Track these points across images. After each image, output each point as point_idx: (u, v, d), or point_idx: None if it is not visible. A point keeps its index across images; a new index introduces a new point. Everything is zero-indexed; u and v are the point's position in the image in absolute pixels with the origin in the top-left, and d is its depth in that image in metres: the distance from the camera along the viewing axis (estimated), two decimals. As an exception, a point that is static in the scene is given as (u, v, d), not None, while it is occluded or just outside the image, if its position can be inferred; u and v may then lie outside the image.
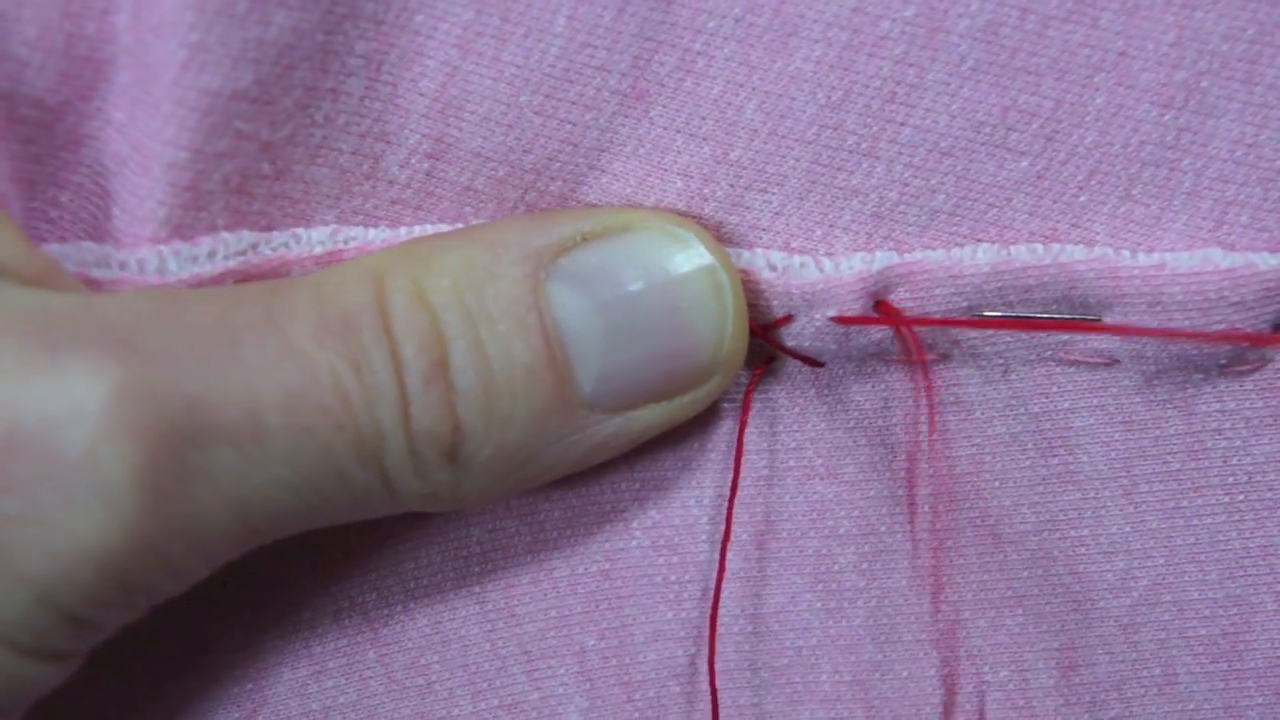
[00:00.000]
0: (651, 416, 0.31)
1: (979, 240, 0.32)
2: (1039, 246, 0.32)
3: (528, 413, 0.29)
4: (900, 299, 0.32)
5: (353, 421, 0.27)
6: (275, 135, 0.30)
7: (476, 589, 0.34)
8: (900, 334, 0.33)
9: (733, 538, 0.34)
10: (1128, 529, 0.34)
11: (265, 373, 0.27)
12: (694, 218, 0.32)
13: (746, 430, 0.34)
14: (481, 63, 0.31)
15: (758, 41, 0.31)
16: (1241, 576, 0.34)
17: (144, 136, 0.29)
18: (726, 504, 0.34)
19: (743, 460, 0.33)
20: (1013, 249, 0.32)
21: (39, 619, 0.25)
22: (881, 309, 0.32)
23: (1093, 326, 0.32)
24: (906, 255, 0.32)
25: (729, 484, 0.34)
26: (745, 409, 0.33)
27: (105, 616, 0.27)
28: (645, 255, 0.30)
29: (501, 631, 0.34)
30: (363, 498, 0.29)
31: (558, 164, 0.32)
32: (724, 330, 0.31)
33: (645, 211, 0.31)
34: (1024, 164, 0.32)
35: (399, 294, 0.28)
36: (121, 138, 0.30)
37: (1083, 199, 0.32)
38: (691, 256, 0.31)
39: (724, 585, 0.34)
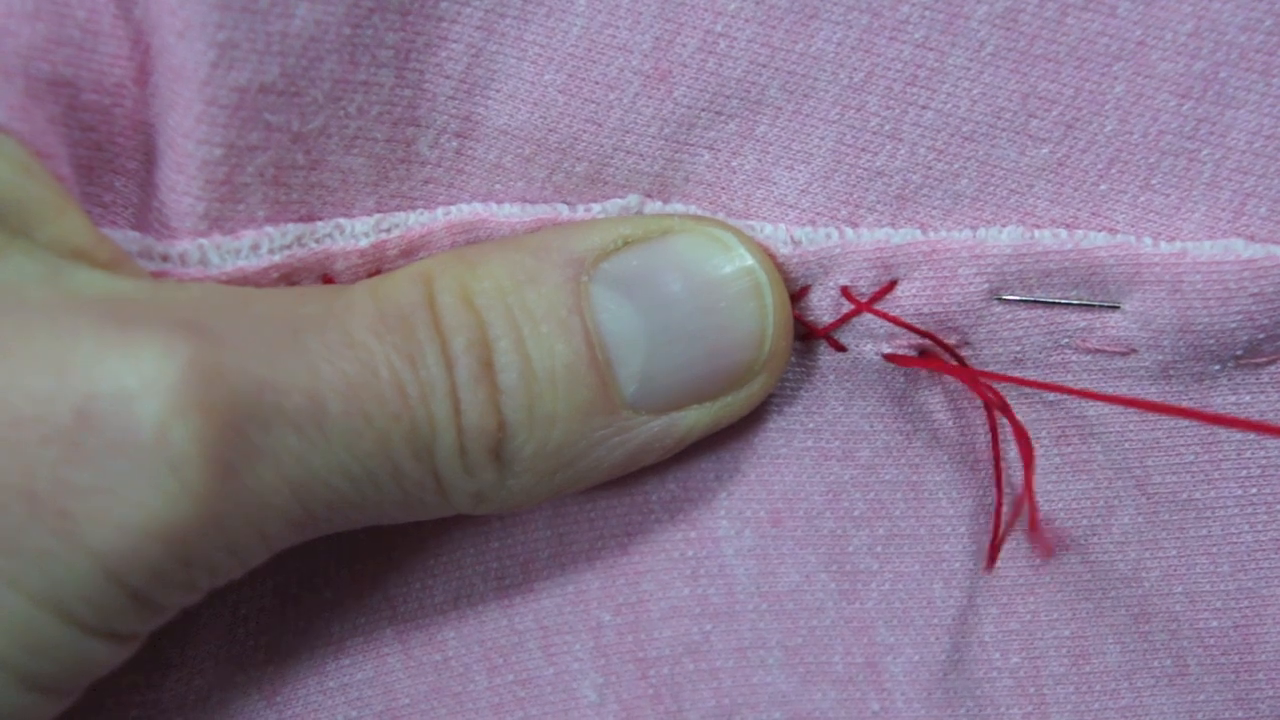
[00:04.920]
0: (695, 418, 0.32)
1: (1002, 225, 0.32)
2: (1062, 231, 0.32)
3: (570, 411, 0.30)
4: (924, 277, 0.33)
5: (409, 413, 0.28)
6: (306, 126, 0.31)
7: (495, 565, 0.34)
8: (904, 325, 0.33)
9: (749, 514, 0.34)
10: (1140, 520, 0.34)
11: (327, 360, 0.27)
12: (722, 189, 0.33)
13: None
14: (505, 43, 0.31)
15: (779, 24, 0.31)
16: (1254, 569, 0.34)
17: (176, 135, 0.30)
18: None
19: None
20: (1037, 233, 0.32)
21: (104, 595, 0.26)
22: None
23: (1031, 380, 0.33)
24: (931, 233, 0.32)
25: (747, 458, 0.34)
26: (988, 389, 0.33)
27: (168, 595, 0.27)
28: (685, 258, 0.31)
29: (519, 607, 0.34)
30: (415, 493, 0.29)
31: (582, 144, 0.32)
32: (765, 330, 0.31)
33: (686, 217, 0.32)
34: (1044, 151, 0.32)
35: (446, 294, 0.29)
36: (158, 133, 0.30)
37: (1103, 187, 0.32)
38: (732, 258, 0.31)
39: (739, 562, 0.34)
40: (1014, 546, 0.34)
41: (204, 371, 0.26)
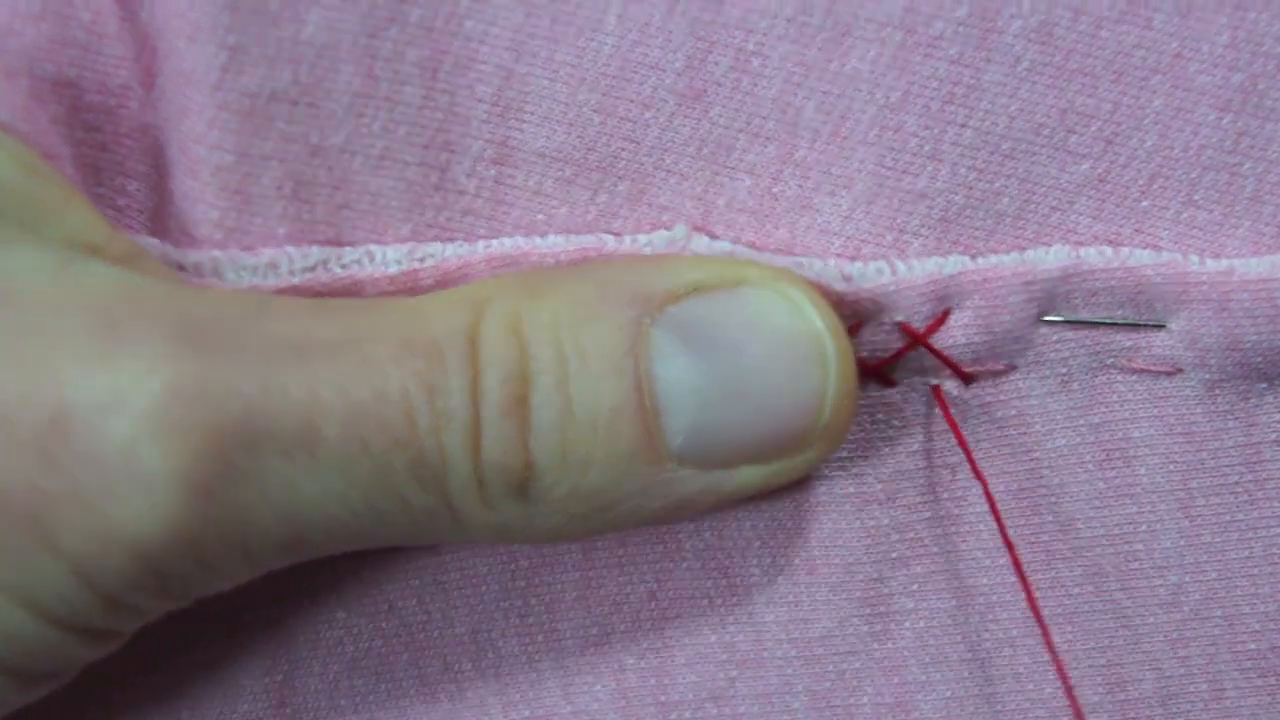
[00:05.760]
0: (744, 478, 0.31)
1: (1045, 244, 0.32)
2: (1108, 249, 0.32)
3: (607, 457, 0.29)
4: (975, 306, 0.32)
5: (415, 443, 0.27)
6: (327, 141, 0.30)
7: (519, 603, 0.34)
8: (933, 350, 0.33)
9: (783, 563, 0.34)
10: (1182, 543, 0.34)
11: (332, 384, 0.27)
12: (766, 218, 0.32)
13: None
14: (536, 64, 0.31)
15: (811, 42, 0.31)
16: None
17: (189, 140, 0.30)
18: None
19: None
20: (1082, 251, 0.32)
21: (77, 595, 0.26)
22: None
23: None
24: (980, 260, 0.32)
25: (785, 508, 0.34)
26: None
27: (143, 601, 0.27)
28: (753, 314, 0.30)
29: (540, 645, 0.34)
30: (426, 521, 0.28)
31: (623, 162, 0.32)
32: (824, 400, 0.30)
33: (762, 268, 0.31)
34: (1085, 167, 0.32)
35: (494, 321, 0.28)
36: (169, 140, 0.30)
37: (1145, 203, 0.32)
38: (800, 321, 0.30)
39: (770, 610, 0.34)
40: (1052, 577, 0.34)
41: (186, 393, 0.25)
